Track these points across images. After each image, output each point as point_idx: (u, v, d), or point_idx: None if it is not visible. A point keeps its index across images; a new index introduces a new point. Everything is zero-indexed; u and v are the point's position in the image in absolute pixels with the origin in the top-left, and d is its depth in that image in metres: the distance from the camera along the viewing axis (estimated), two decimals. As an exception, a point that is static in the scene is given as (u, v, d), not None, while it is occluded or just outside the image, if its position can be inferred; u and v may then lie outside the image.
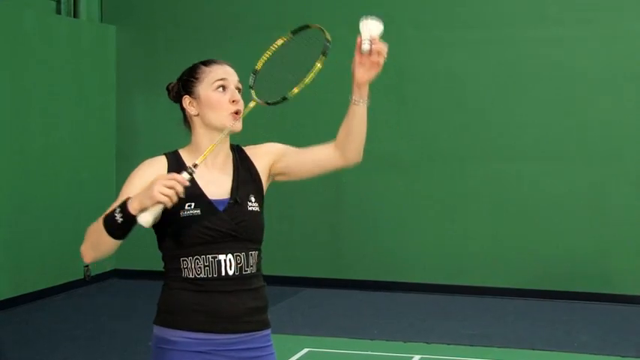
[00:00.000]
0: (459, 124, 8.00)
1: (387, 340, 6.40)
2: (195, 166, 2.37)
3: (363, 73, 2.53)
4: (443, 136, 8.05)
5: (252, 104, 2.55)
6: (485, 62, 7.94)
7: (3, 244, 7.34)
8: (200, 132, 2.62)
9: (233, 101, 2.58)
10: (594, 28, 7.68)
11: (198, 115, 2.61)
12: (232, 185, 2.59)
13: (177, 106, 2.68)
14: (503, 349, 6.19)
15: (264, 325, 2.61)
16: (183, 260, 2.52)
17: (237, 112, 2.58)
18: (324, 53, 2.50)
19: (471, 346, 6.24)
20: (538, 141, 7.81)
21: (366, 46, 2.49)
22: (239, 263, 2.54)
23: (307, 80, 2.49)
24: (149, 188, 2.30)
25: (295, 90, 2.49)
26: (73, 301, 7.75)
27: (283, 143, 2.73)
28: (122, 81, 8.80)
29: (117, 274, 8.73)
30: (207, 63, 2.65)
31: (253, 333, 2.58)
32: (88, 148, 8.42)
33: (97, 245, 2.41)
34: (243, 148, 2.71)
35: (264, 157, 2.68)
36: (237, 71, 2.64)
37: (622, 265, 7.66)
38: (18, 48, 7.54)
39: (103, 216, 2.39)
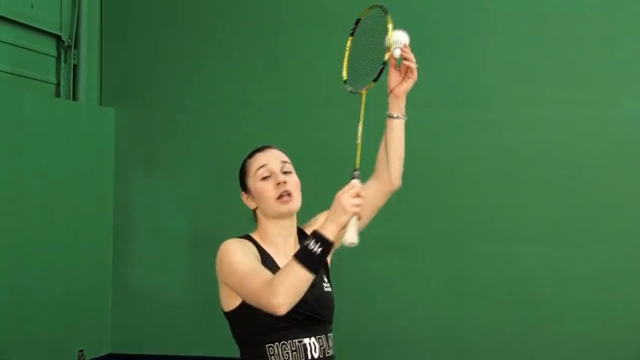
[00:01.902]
0: (459, 205, 7.93)
1: None
2: (355, 170, 2.34)
3: (401, 84, 2.55)
4: (442, 217, 7.96)
5: (363, 95, 2.51)
6: (484, 143, 7.90)
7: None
8: (264, 222, 2.59)
9: (277, 184, 2.54)
10: (594, 109, 7.69)
11: (257, 207, 2.60)
12: None
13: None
14: None
15: None
16: (269, 347, 2.47)
17: (285, 194, 2.54)
18: (383, 9, 2.53)
19: None
20: (540, 222, 7.72)
21: (397, 51, 2.54)
22: (322, 346, 2.58)
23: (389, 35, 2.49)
24: (335, 209, 2.24)
25: (387, 55, 2.48)
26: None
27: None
28: (120, 163, 8.76)
29: (113, 358, 8.55)
30: (251, 155, 2.65)
31: None
32: (85, 230, 8.31)
33: (297, 288, 2.30)
34: (301, 228, 2.66)
35: None
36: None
37: (632, 352, 7.49)
38: (17, 131, 7.52)
39: (289, 263, 2.30)
